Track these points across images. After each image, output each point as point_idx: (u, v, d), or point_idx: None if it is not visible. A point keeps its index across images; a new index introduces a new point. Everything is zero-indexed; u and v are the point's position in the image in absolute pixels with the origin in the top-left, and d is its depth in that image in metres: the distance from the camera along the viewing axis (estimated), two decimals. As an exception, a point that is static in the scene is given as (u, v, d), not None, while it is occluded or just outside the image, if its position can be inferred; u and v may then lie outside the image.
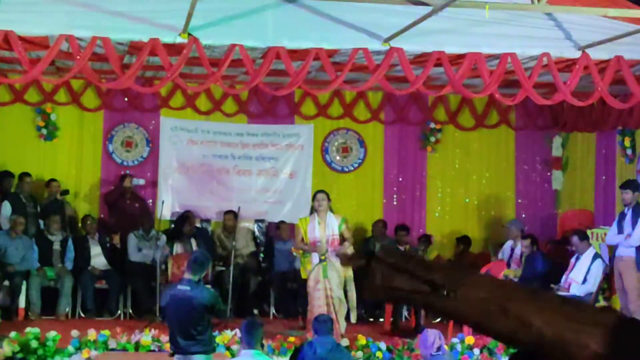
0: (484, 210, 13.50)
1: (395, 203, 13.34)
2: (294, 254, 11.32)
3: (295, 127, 13.08)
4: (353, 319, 9.94)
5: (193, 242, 11.74)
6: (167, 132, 12.67)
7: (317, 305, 9.60)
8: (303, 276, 9.94)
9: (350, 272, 9.85)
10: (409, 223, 12.64)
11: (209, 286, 7.22)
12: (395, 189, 13.36)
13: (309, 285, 9.74)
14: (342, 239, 9.78)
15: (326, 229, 9.74)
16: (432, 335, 7.16)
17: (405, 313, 11.61)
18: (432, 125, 13.33)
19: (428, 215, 13.37)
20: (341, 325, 9.62)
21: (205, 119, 12.85)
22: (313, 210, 9.87)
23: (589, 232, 10.99)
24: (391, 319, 11.01)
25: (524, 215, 13.30)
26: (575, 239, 10.34)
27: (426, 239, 12.68)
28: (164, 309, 7.56)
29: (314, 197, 9.94)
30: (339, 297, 9.65)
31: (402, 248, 11.41)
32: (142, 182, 12.45)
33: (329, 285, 9.63)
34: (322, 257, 9.64)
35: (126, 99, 12.65)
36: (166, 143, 12.65)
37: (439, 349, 7.12)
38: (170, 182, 12.64)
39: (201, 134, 12.77)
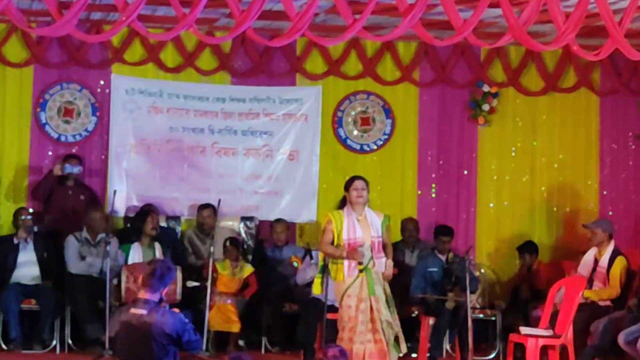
0: (556, 205, 13.48)
1: (433, 195, 13.34)
2: (294, 264, 11.30)
3: (297, 90, 13.09)
4: (404, 350, 9.83)
5: (156, 247, 11.72)
6: (120, 96, 12.66)
7: (359, 332, 9.47)
8: (316, 292, 9.90)
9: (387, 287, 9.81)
10: (452, 223, 12.60)
11: (175, 309, 7.17)
12: (433, 175, 13.35)
13: (348, 306, 9.57)
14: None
15: (370, 228, 9.68)
16: None
17: (447, 345, 11.60)
18: (486, 88, 13.30)
19: (479, 213, 13.36)
20: (392, 358, 9.55)
21: (174, 79, 12.85)
22: (345, 203, 9.79)
23: None
24: (428, 354, 11.06)
25: (611, 213, 13.29)
26: None
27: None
28: (114, 340, 7.53)
29: (349, 185, 9.79)
30: (387, 320, 9.58)
31: (442, 258, 11.36)
32: (77, 169, 12.23)
33: (376, 306, 9.57)
34: (361, 268, 9.56)
35: (65, 51, 12.62)
36: (119, 111, 12.65)
37: None
38: (125, 164, 12.66)
39: (167, 98, 12.77)
